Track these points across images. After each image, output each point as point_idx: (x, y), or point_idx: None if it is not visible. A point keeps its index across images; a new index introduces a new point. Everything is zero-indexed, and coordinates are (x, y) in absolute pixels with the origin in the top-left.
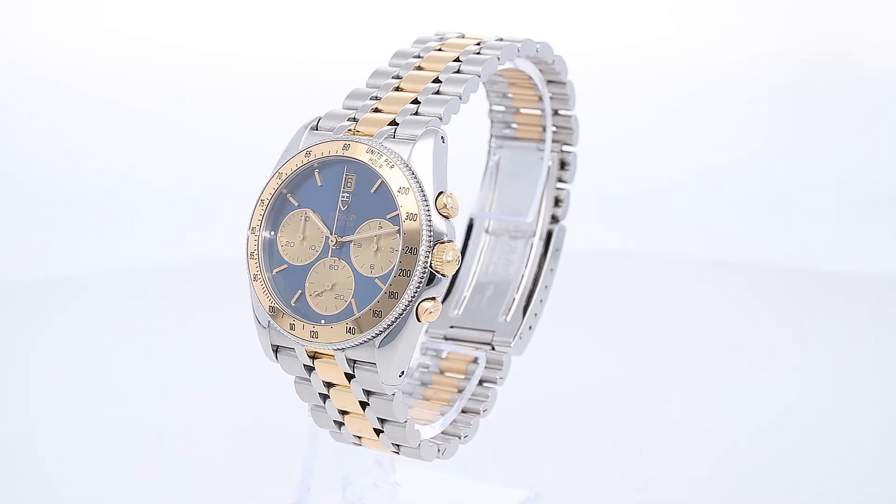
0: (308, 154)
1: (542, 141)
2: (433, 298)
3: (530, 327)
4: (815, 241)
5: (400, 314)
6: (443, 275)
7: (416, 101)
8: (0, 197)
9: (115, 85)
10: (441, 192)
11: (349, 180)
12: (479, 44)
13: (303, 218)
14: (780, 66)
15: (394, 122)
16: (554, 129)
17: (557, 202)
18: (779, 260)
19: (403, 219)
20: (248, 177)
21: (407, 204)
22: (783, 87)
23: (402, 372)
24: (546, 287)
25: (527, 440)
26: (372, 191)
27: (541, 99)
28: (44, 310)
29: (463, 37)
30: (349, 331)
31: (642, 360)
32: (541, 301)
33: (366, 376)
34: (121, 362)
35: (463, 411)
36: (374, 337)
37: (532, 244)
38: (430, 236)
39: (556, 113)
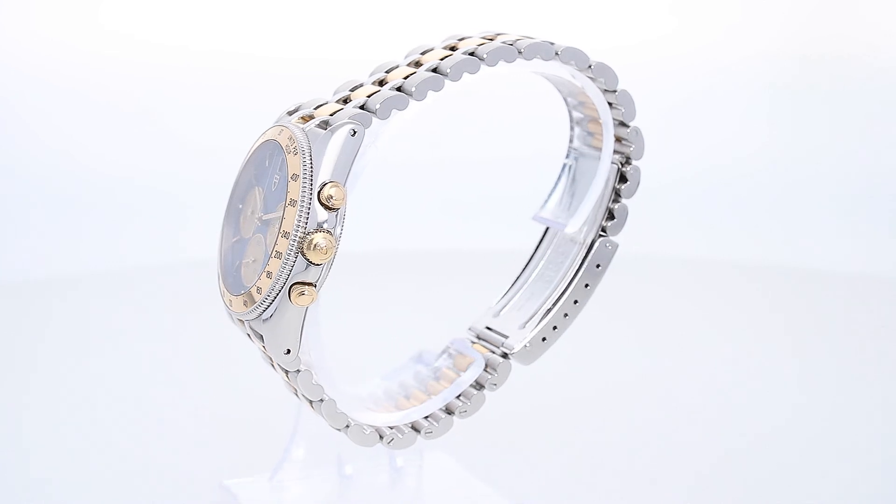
0: (263, 136)
1: (601, 150)
2: (307, 284)
3: (544, 339)
4: (815, 241)
5: (276, 294)
6: (310, 262)
7: (373, 95)
8: None
9: (112, 85)
10: (328, 183)
11: (283, 163)
12: (482, 44)
13: (255, 194)
14: (780, 66)
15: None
16: (617, 140)
17: (611, 215)
18: (779, 260)
19: (286, 204)
20: None
21: (293, 190)
22: (783, 87)
23: (289, 350)
24: (576, 302)
25: (526, 442)
26: (288, 175)
27: (598, 108)
28: (42, 309)
29: (493, 38)
30: (244, 303)
31: (642, 361)
32: (565, 315)
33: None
34: (119, 361)
35: (448, 411)
36: (261, 312)
37: (580, 254)
38: (305, 223)
39: (621, 124)
